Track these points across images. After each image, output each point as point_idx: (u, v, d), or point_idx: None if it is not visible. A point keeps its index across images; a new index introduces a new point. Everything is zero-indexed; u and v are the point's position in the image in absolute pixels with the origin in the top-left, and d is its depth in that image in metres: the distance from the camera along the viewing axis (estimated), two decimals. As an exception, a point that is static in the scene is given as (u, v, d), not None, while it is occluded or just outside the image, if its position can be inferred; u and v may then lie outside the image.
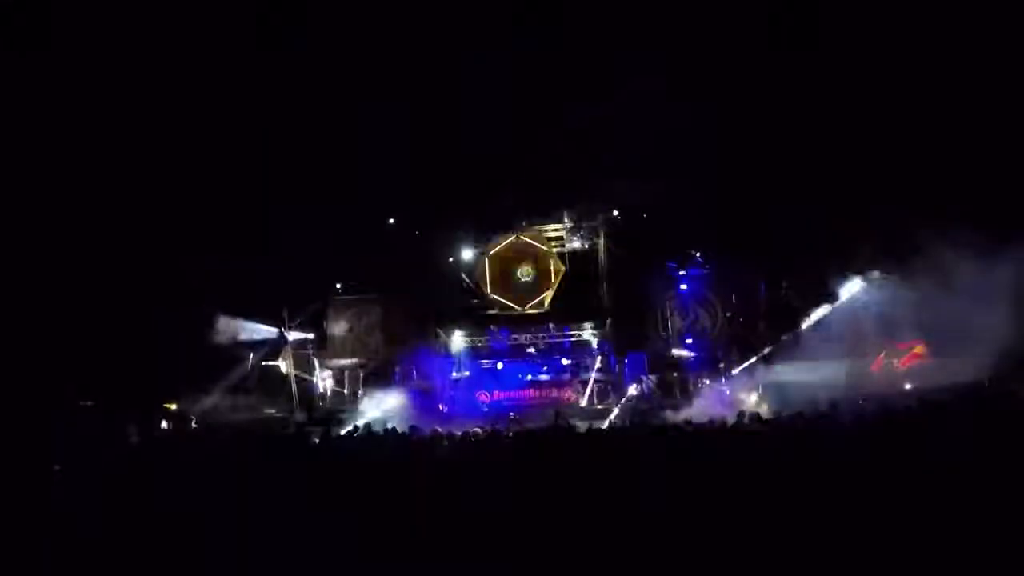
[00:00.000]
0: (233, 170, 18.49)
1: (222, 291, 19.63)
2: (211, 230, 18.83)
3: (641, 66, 19.22)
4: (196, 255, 18.47)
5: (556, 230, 25.43)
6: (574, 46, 19.71)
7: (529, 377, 23.59)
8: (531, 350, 24.39)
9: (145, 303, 17.38)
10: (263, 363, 22.21)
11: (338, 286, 24.51)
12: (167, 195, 17.29)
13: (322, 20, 17.67)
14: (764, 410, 16.13)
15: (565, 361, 23.90)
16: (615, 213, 24.70)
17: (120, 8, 14.92)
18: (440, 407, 22.83)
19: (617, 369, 23.64)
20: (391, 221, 24.18)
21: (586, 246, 25.49)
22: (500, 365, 23.93)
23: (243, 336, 21.43)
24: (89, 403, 14.72)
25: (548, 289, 25.05)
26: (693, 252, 23.80)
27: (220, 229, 19.00)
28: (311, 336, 23.85)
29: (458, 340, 24.53)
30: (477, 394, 23.44)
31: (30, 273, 15.01)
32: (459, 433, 12.88)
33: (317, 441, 13.26)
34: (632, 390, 22.62)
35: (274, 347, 22.48)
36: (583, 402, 22.94)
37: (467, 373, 23.91)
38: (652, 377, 23.03)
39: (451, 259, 25.39)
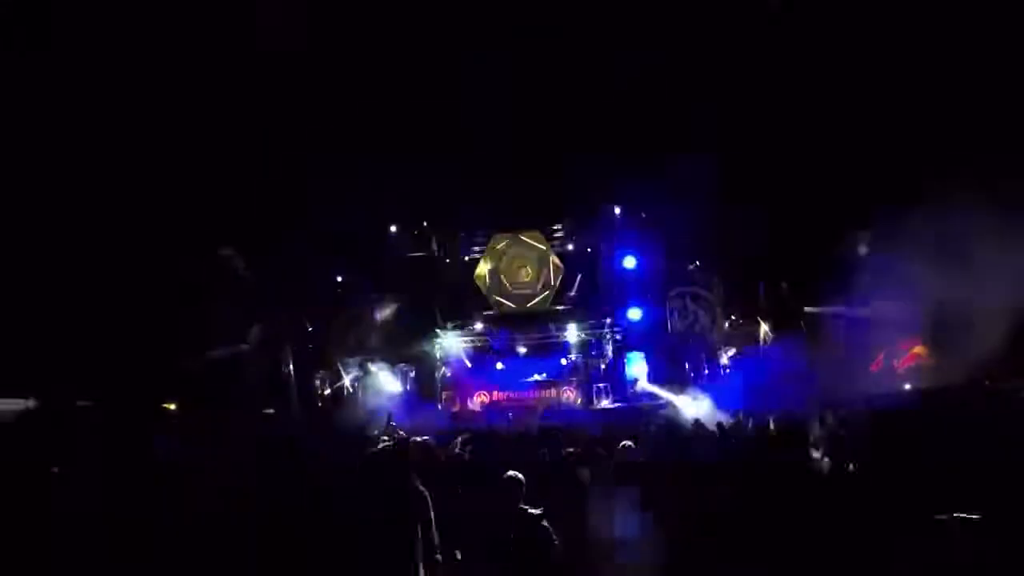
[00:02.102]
0: (235, 168, 18.46)
1: (223, 289, 19.59)
2: (213, 229, 18.82)
3: (641, 66, 19.23)
4: (197, 253, 18.45)
5: (556, 230, 25.43)
6: (574, 46, 19.70)
7: (533, 377, 23.59)
8: (531, 350, 24.45)
9: (146, 301, 17.36)
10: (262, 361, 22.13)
11: (339, 279, 24.51)
12: (169, 195, 17.27)
13: (322, 20, 17.65)
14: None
15: (564, 361, 23.92)
16: (616, 211, 24.65)
17: (120, 8, 14.90)
18: (438, 407, 22.86)
19: (617, 369, 23.68)
20: (393, 229, 24.18)
21: (586, 247, 25.48)
22: (500, 365, 23.95)
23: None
24: (90, 403, 14.67)
25: (548, 289, 25.06)
26: (693, 253, 23.82)
27: (222, 228, 19.00)
28: (312, 334, 23.87)
29: (458, 340, 24.59)
30: (476, 394, 23.44)
31: (31, 273, 14.99)
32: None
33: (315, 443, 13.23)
34: (632, 389, 22.71)
35: (274, 345, 22.43)
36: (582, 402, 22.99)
37: (469, 366, 24.00)
38: (654, 376, 23.05)
39: (448, 260, 25.39)
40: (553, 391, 23.38)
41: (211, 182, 18.02)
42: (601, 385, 23.26)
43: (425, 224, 24.62)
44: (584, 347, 24.46)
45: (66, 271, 15.53)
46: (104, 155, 15.76)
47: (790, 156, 18.57)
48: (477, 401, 23.40)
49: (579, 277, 25.27)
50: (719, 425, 12.66)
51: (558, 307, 25.17)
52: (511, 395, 23.46)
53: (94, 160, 15.68)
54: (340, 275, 24.23)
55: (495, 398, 23.46)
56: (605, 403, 22.94)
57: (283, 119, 18.88)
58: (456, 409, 23.09)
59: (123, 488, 8.60)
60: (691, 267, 24.17)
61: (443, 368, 24.30)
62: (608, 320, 24.60)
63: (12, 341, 14.26)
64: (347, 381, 23.26)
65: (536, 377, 23.51)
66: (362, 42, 19.02)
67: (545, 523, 6.55)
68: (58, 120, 14.77)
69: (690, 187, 20.60)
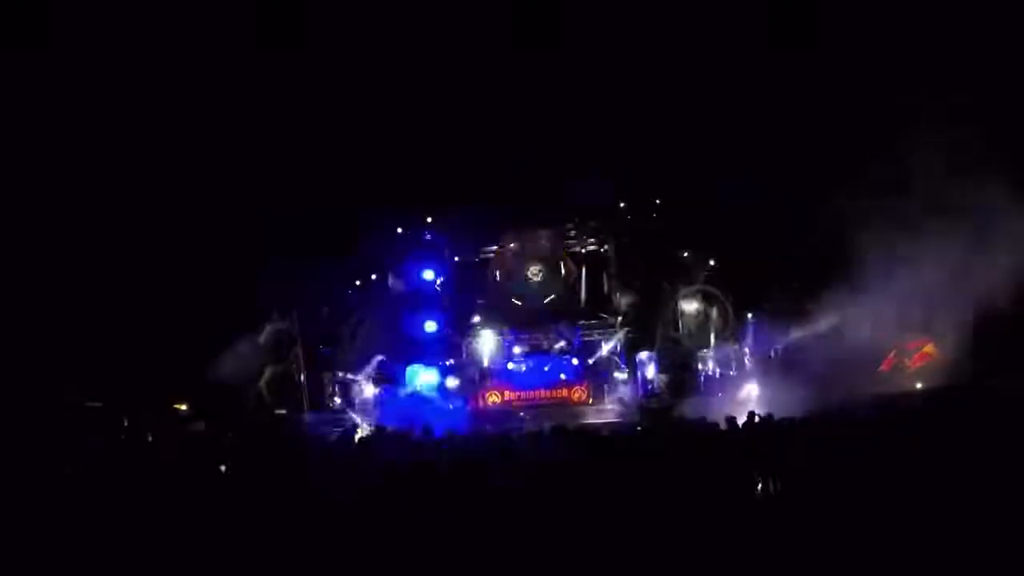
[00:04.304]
0: (239, 169, 18.52)
1: (230, 291, 19.67)
2: (217, 230, 18.89)
3: (647, 65, 19.17)
4: (202, 255, 18.51)
5: (567, 229, 25.31)
6: (578, 46, 19.65)
7: (539, 377, 23.52)
8: (542, 350, 24.39)
9: (152, 303, 17.46)
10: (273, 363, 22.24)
11: (356, 282, 24.55)
12: (171, 196, 17.34)
13: (322, 20, 17.68)
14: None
15: (575, 361, 23.84)
16: (621, 205, 24.50)
17: (120, 8, 14.98)
18: (448, 407, 22.84)
19: (628, 368, 23.60)
20: (399, 230, 24.21)
21: (597, 246, 25.39)
22: (510, 365, 23.92)
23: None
24: (97, 404, 14.80)
25: (559, 289, 24.95)
26: (702, 250, 23.67)
27: (226, 229, 19.07)
28: (322, 336, 23.93)
29: (468, 340, 24.59)
30: (488, 393, 23.42)
31: (32, 274, 15.10)
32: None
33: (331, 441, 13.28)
34: (643, 389, 22.65)
35: (286, 347, 22.52)
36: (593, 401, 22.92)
37: (484, 366, 24.02)
38: (663, 376, 22.98)
39: (456, 259, 25.36)
40: (564, 391, 23.33)
41: (217, 182, 18.07)
42: (612, 385, 23.17)
43: (430, 221, 24.54)
44: (596, 347, 24.36)
45: (70, 272, 15.63)
46: (108, 155, 15.84)
47: (798, 151, 18.43)
48: (489, 400, 23.38)
49: (590, 276, 25.17)
50: (731, 420, 12.59)
51: (569, 307, 25.05)
52: (522, 394, 23.42)
53: (99, 161, 15.77)
54: (349, 276, 24.24)
55: (507, 398, 23.43)
56: (616, 403, 22.86)
57: (288, 119, 18.90)
58: (469, 408, 23.09)
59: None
60: (702, 265, 24.02)
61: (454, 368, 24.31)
62: (620, 319, 24.49)
63: (21, 341, 14.41)
64: (364, 382, 23.28)
65: (543, 376, 23.45)
66: (369, 41, 19.03)
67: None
68: (59, 120, 14.85)
69: (698, 184, 20.58)
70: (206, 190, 17.91)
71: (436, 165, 21.65)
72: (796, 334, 20.34)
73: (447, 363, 24.29)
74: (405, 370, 23.39)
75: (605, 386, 23.17)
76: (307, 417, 21.10)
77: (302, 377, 22.30)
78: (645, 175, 22.02)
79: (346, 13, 17.87)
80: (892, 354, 18.64)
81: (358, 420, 20.22)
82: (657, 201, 24.09)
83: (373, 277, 24.72)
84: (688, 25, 18.37)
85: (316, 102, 19.29)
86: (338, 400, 23.13)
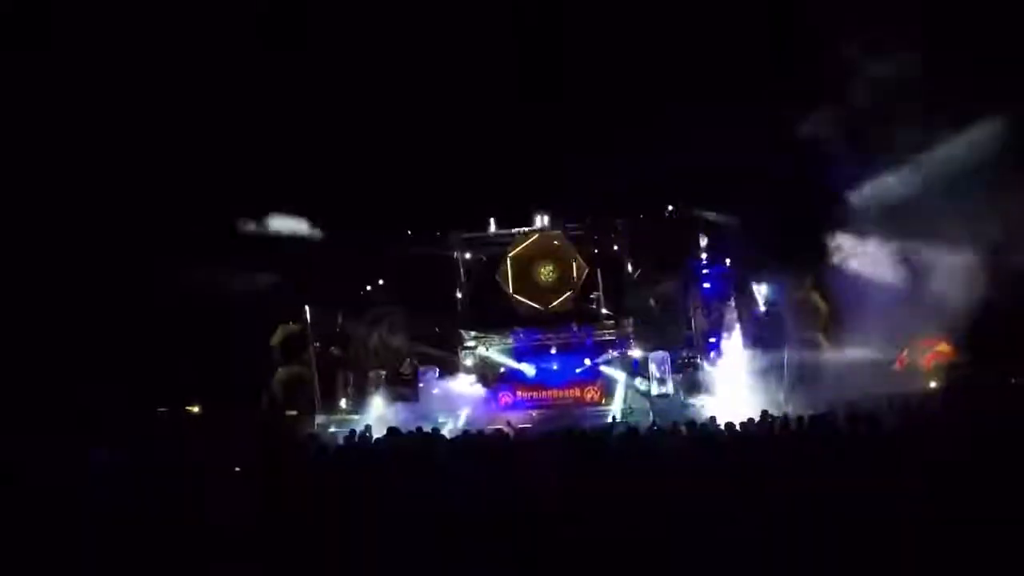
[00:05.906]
0: (241, 169, 18.54)
1: (241, 293, 19.72)
2: (220, 230, 18.94)
3: (653, 64, 19.12)
4: (208, 257, 18.54)
5: (578, 229, 25.24)
6: (580, 47, 19.62)
7: (551, 376, 23.49)
8: (553, 350, 24.35)
9: (161, 306, 17.52)
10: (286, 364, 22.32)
11: (368, 287, 24.60)
12: (173, 195, 17.38)
13: (322, 20, 17.70)
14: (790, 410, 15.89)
15: (588, 361, 23.79)
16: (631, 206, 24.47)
17: (120, 8, 15.04)
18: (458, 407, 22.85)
19: (640, 368, 23.51)
20: (408, 232, 24.22)
21: (609, 246, 25.31)
22: (522, 365, 23.90)
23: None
24: (104, 405, 14.85)
25: (571, 289, 24.88)
26: (716, 250, 23.57)
27: (230, 229, 19.12)
28: (334, 338, 23.98)
29: (480, 341, 24.59)
30: (499, 395, 23.41)
31: (33, 274, 15.17)
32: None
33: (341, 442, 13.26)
34: (655, 389, 22.57)
35: (298, 348, 22.59)
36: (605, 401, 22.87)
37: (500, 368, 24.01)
38: (676, 376, 22.88)
39: (467, 256, 25.33)
40: (576, 390, 23.31)
41: (219, 182, 18.10)
42: (624, 385, 23.11)
43: (445, 225, 24.54)
44: (608, 346, 24.29)
45: (75, 273, 15.68)
46: (111, 156, 15.88)
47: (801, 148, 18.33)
48: (501, 400, 23.37)
49: (603, 276, 25.10)
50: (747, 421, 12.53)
51: (581, 307, 24.99)
52: (534, 394, 23.42)
53: (101, 162, 15.82)
54: (363, 279, 24.29)
55: (519, 397, 23.43)
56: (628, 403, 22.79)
57: (289, 119, 18.90)
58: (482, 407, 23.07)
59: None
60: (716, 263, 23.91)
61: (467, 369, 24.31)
62: (631, 319, 24.40)
63: (29, 344, 14.47)
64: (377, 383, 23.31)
65: (556, 377, 23.41)
66: (370, 41, 19.03)
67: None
68: (60, 120, 14.90)
69: (706, 182, 20.48)
70: (208, 190, 17.93)
71: (443, 163, 21.61)
72: (809, 331, 20.24)
73: (459, 363, 24.31)
74: (417, 371, 23.43)
75: (617, 386, 23.11)
76: (318, 418, 21.16)
77: (315, 378, 22.33)
78: (656, 175, 21.89)
79: (346, 13, 17.84)
80: (905, 352, 18.48)
81: (369, 421, 20.21)
82: (670, 207, 23.98)
83: (381, 281, 24.72)
84: (691, 22, 18.27)
85: (317, 102, 19.28)
86: (349, 401, 23.20)
